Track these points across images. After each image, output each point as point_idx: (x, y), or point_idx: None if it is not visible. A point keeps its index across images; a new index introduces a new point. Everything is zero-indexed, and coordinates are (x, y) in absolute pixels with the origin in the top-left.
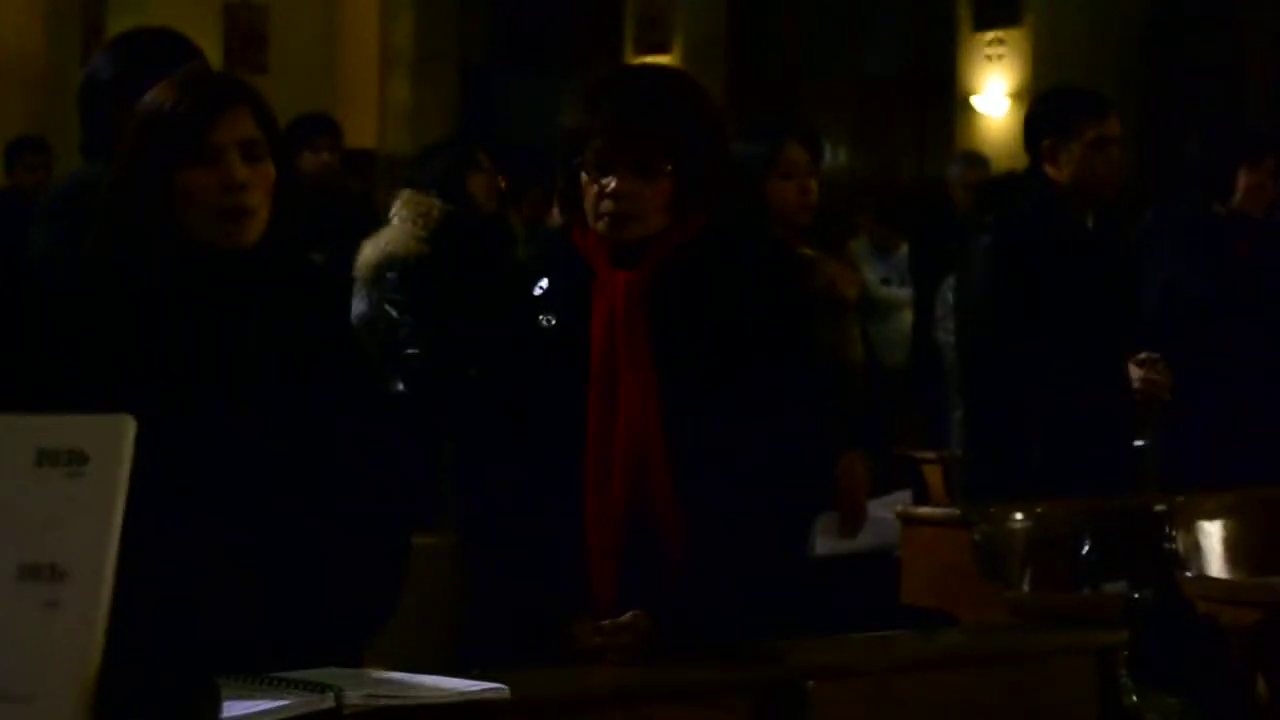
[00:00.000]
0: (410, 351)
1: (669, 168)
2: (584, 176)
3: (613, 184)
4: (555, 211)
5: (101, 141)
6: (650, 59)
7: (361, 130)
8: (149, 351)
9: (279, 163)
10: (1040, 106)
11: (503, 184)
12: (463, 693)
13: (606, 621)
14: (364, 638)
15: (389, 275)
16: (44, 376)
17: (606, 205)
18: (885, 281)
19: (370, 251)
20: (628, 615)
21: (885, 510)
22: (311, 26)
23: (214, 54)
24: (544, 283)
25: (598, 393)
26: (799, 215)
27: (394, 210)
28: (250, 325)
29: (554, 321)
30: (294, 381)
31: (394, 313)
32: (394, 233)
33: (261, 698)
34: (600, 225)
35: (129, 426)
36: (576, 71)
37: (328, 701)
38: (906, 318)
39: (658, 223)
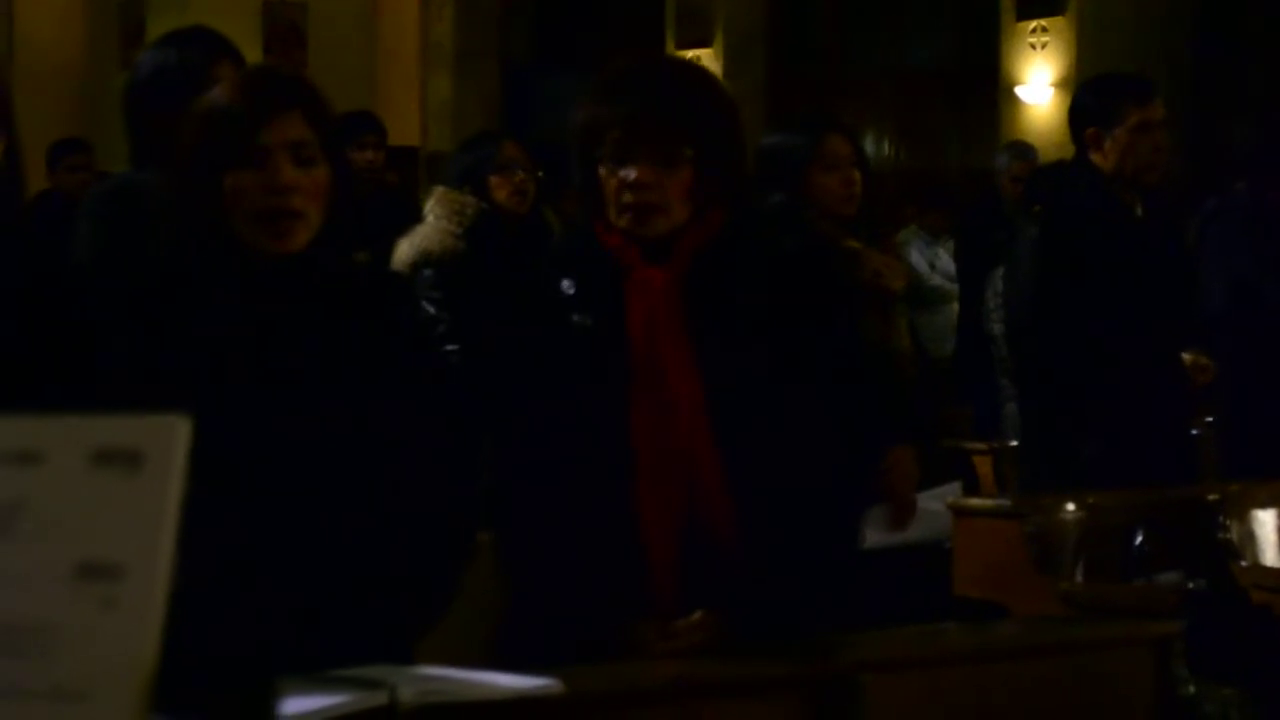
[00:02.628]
0: (449, 349)
1: (689, 154)
2: (602, 170)
3: (633, 174)
4: None
5: (146, 144)
6: (691, 53)
7: (403, 128)
8: (202, 353)
9: (335, 164)
10: (1084, 94)
11: (535, 176)
12: (516, 689)
13: (678, 623)
14: (419, 635)
15: (425, 273)
16: (97, 377)
17: (628, 197)
18: (931, 272)
19: (406, 249)
20: (696, 615)
21: (936, 502)
22: (351, 24)
23: (253, 53)
24: (569, 282)
25: (643, 392)
26: (843, 207)
27: (428, 207)
28: (304, 327)
29: (589, 321)
30: (351, 381)
31: (431, 310)
32: (429, 230)
33: (316, 695)
34: (623, 220)
35: (184, 426)
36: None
37: (381, 699)
38: (953, 309)
39: (680, 214)
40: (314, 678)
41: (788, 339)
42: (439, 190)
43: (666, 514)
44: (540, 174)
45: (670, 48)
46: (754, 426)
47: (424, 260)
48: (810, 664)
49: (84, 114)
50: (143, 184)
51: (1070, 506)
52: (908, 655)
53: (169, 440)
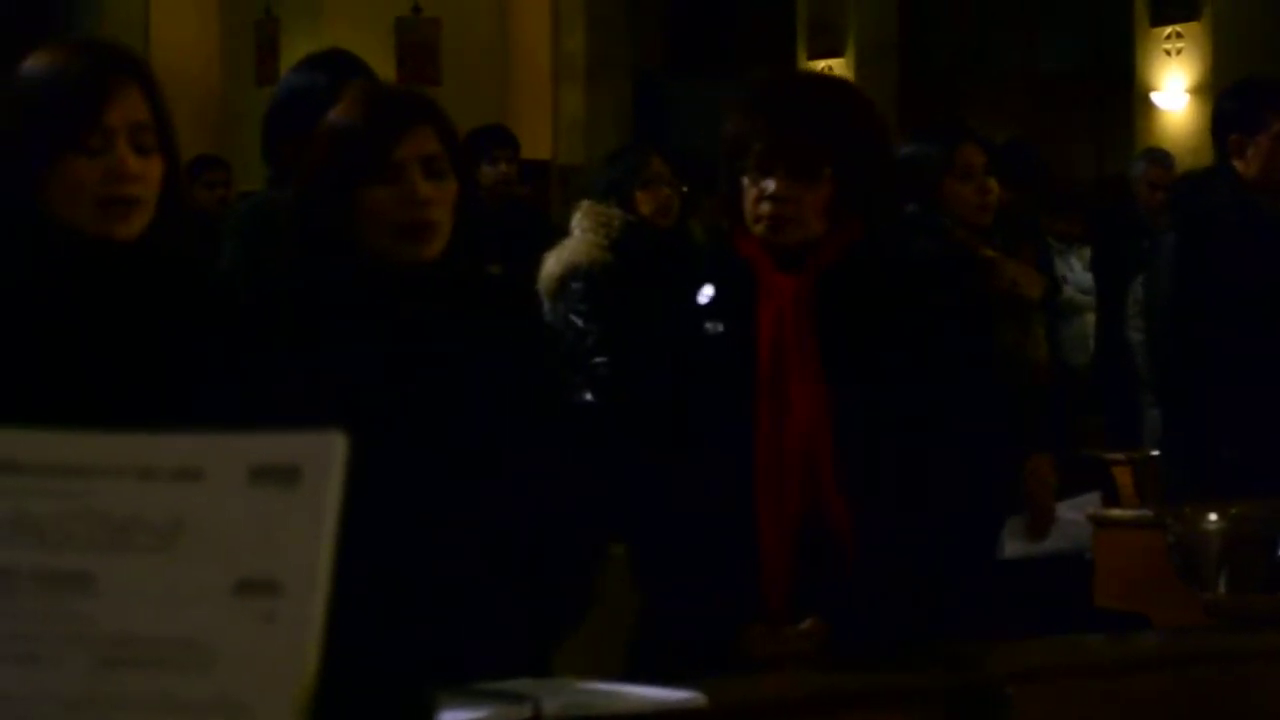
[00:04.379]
0: (597, 360)
1: (829, 171)
2: (745, 180)
3: (771, 187)
4: None
5: (283, 164)
6: (822, 64)
7: (535, 141)
8: (336, 366)
9: (461, 178)
10: (1226, 101)
11: (680, 190)
12: (660, 701)
13: (786, 629)
14: (554, 645)
15: (574, 285)
16: (243, 393)
17: (765, 208)
18: (1066, 281)
19: (553, 264)
20: (805, 623)
21: (1075, 512)
22: (483, 38)
23: (387, 68)
24: (709, 289)
25: (766, 399)
26: (978, 216)
27: (575, 221)
28: (439, 335)
29: (720, 328)
30: (483, 393)
31: (580, 322)
32: (576, 243)
33: (461, 708)
34: (759, 228)
35: (342, 442)
36: (749, 78)
37: (526, 711)
38: (1089, 317)
39: (816, 227)
40: (459, 690)
41: (920, 348)
42: (585, 204)
43: (782, 518)
44: (685, 188)
45: (801, 58)
46: (877, 436)
47: (572, 273)
48: (954, 674)
49: (220, 132)
50: (282, 203)
51: (1213, 516)
52: (1051, 665)
53: (327, 456)
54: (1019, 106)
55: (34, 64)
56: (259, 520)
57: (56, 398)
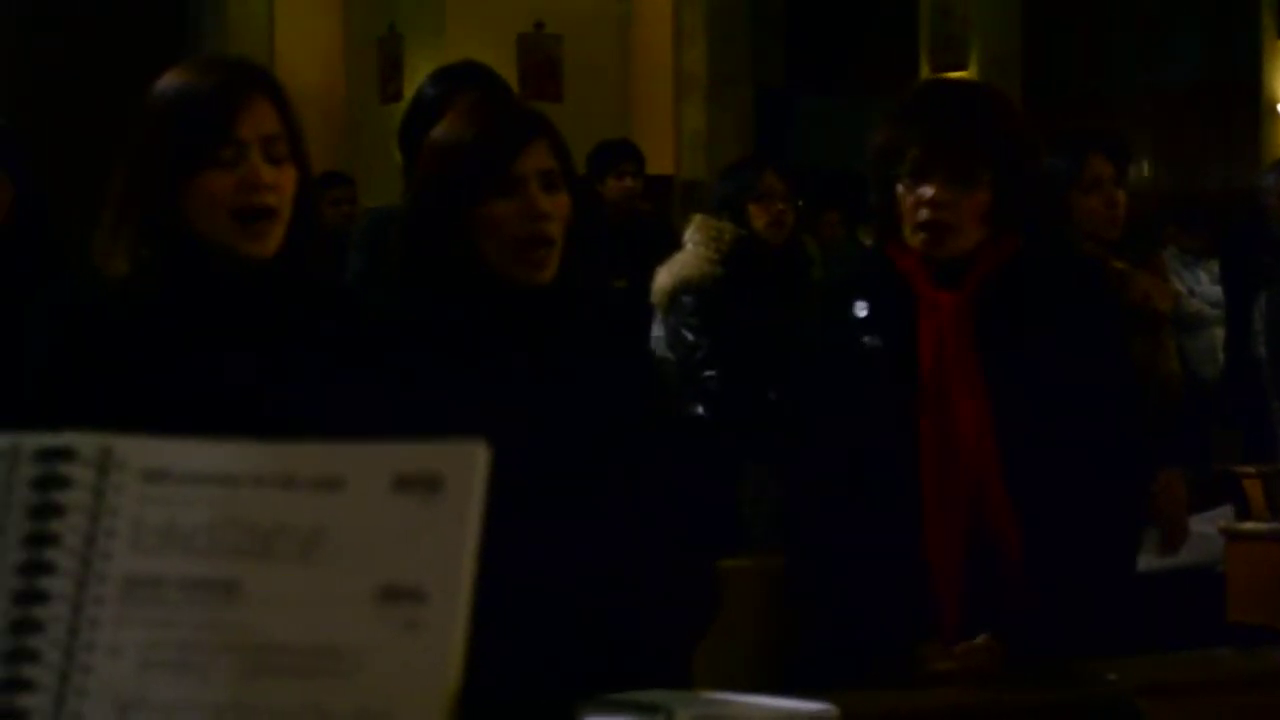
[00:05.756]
0: (708, 374)
1: (986, 177)
2: (899, 189)
3: (929, 192)
4: (867, 231)
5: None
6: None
7: (657, 156)
8: (453, 380)
9: (571, 192)
10: None
11: (794, 205)
12: (792, 713)
13: (959, 645)
14: (680, 660)
15: (684, 299)
16: (372, 406)
17: (924, 214)
18: (1193, 294)
19: (665, 277)
20: (980, 638)
21: (1207, 526)
22: (605, 53)
23: (509, 84)
24: (864, 304)
25: (930, 415)
26: (1106, 229)
27: (687, 235)
28: (550, 353)
29: (879, 343)
30: (604, 405)
31: (690, 336)
32: (688, 257)
33: (594, 719)
34: (917, 238)
35: (484, 452)
36: (871, 93)
37: None
38: (1218, 331)
39: (974, 236)
40: (593, 701)
41: (1071, 362)
42: (698, 218)
43: (951, 536)
44: (799, 203)
45: (924, 72)
46: (1040, 449)
47: (683, 287)
48: (1084, 689)
49: (345, 150)
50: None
51: None
52: (1183, 680)
53: (469, 466)
54: (1144, 117)
55: (165, 83)
56: (402, 529)
57: (198, 408)
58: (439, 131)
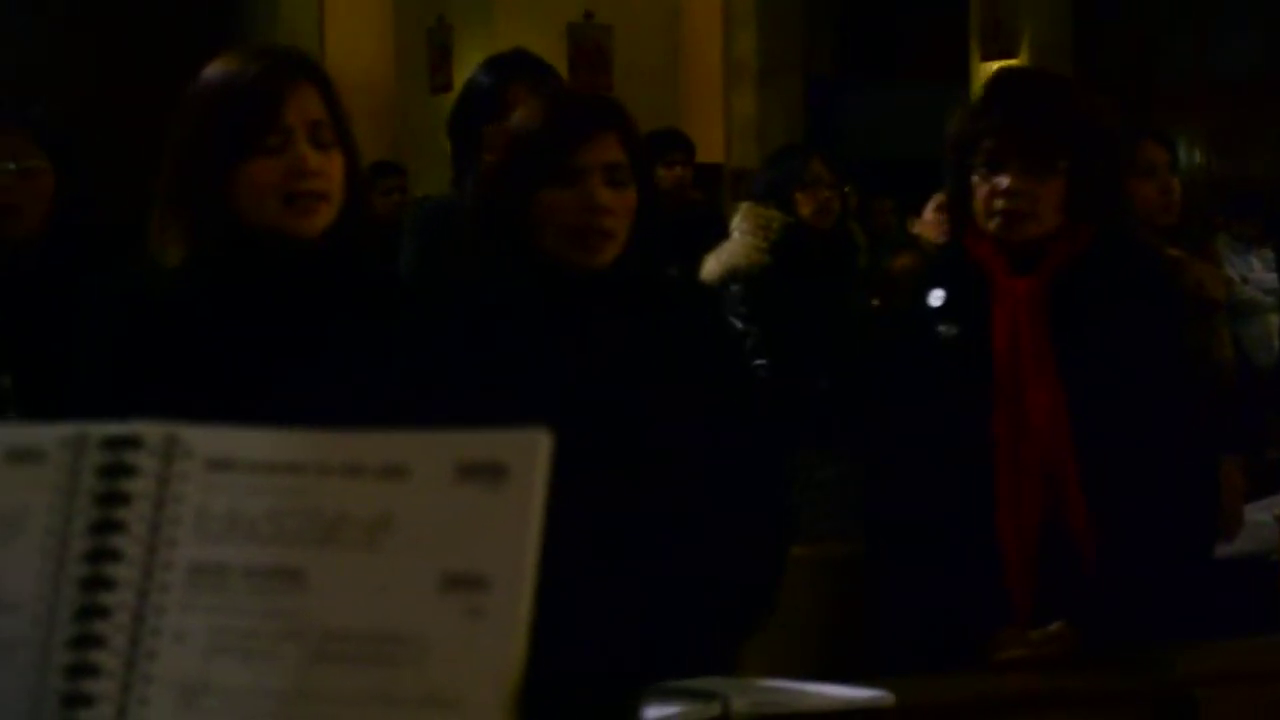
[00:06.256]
0: (758, 362)
1: (1062, 165)
2: (975, 178)
3: (1005, 181)
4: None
5: (459, 163)
6: (996, 65)
7: (707, 144)
8: (511, 368)
9: (642, 186)
10: None
11: (841, 192)
12: (848, 699)
13: (1033, 633)
14: (737, 646)
15: (732, 288)
16: (429, 393)
17: (999, 203)
18: (1246, 281)
19: (713, 265)
20: (1054, 625)
21: (1262, 514)
22: (655, 42)
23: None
24: (939, 292)
25: (1004, 402)
26: (1161, 216)
27: (734, 223)
28: (611, 339)
29: (954, 331)
30: (659, 393)
31: (740, 324)
32: (735, 245)
33: (650, 705)
34: (993, 224)
35: (547, 440)
36: (921, 81)
37: (715, 709)
38: (1272, 318)
39: (1049, 223)
40: (648, 689)
41: (1143, 351)
42: (745, 206)
43: (1024, 522)
44: (846, 189)
45: (975, 60)
46: (1115, 438)
47: (731, 275)
48: (1140, 677)
49: (395, 140)
50: (458, 204)
51: None
52: (1241, 669)
53: (532, 454)
54: (1195, 105)
55: (211, 72)
56: (465, 517)
57: (250, 395)
58: (514, 117)
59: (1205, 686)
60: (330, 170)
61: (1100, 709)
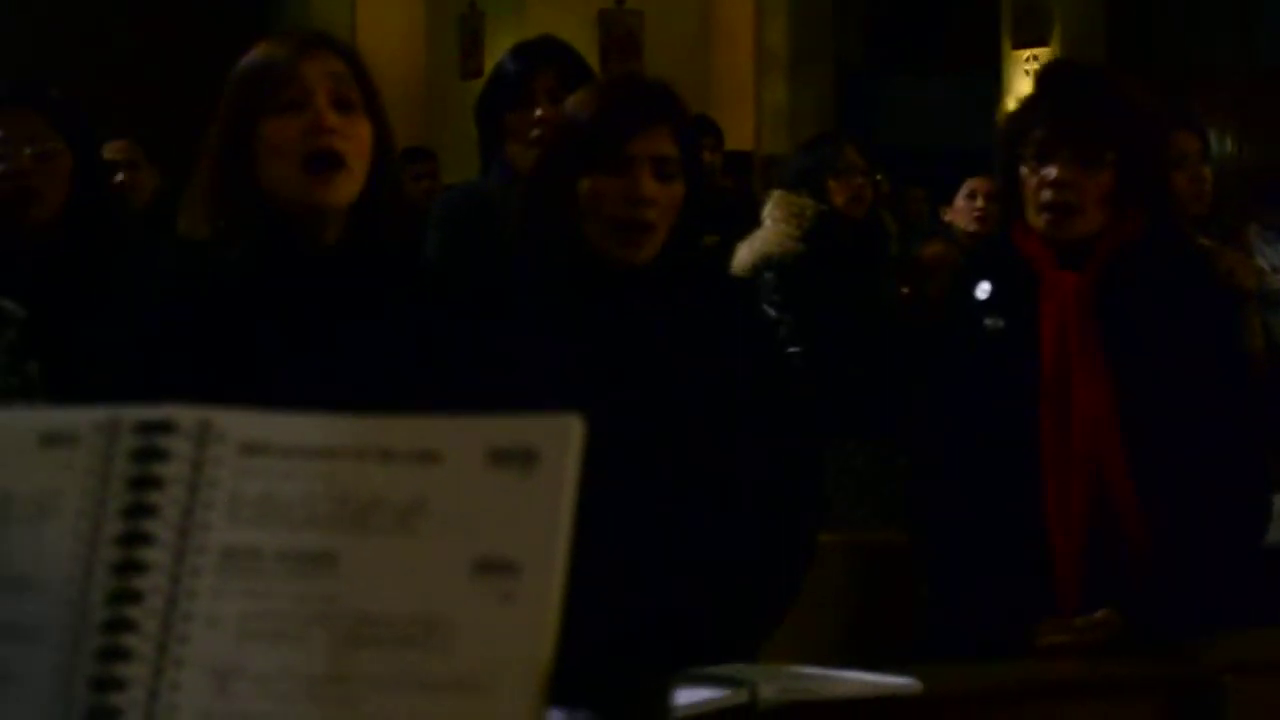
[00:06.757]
0: (791, 350)
1: (1111, 158)
2: (1024, 170)
3: (1054, 173)
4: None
5: (486, 149)
6: (1028, 53)
7: (738, 132)
8: (547, 357)
9: (691, 182)
10: None
11: (873, 180)
12: (876, 686)
13: (1078, 620)
14: (764, 633)
15: (765, 275)
16: (466, 378)
17: (1047, 195)
18: (1276, 270)
19: (745, 253)
20: (1099, 613)
21: None
22: (686, 30)
23: (590, 60)
24: (986, 285)
25: (1051, 395)
26: (1193, 205)
27: (767, 211)
28: (652, 328)
29: (1001, 324)
30: (695, 383)
31: (773, 313)
32: (768, 233)
33: (678, 692)
34: (1041, 219)
35: (579, 426)
36: (952, 69)
37: (743, 696)
38: None
39: (1098, 217)
40: (678, 674)
41: (1190, 343)
42: (777, 194)
43: (1072, 514)
44: (879, 178)
45: (1007, 48)
46: (1164, 431)
47: (764, 263)
48: (1171, 665)
49: (427, 126)
50: (488, 190)
51: None
52: (1269, 657)
53: (564, 440)
54: (1229, 94)
55: (245, 56)
56: (497, 502)
57: (278, 378)
58: (568, 101)
59: (1235, 674)
60: (351, 134)
61: (1127, 695)
